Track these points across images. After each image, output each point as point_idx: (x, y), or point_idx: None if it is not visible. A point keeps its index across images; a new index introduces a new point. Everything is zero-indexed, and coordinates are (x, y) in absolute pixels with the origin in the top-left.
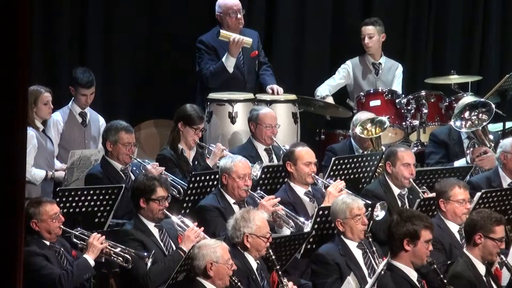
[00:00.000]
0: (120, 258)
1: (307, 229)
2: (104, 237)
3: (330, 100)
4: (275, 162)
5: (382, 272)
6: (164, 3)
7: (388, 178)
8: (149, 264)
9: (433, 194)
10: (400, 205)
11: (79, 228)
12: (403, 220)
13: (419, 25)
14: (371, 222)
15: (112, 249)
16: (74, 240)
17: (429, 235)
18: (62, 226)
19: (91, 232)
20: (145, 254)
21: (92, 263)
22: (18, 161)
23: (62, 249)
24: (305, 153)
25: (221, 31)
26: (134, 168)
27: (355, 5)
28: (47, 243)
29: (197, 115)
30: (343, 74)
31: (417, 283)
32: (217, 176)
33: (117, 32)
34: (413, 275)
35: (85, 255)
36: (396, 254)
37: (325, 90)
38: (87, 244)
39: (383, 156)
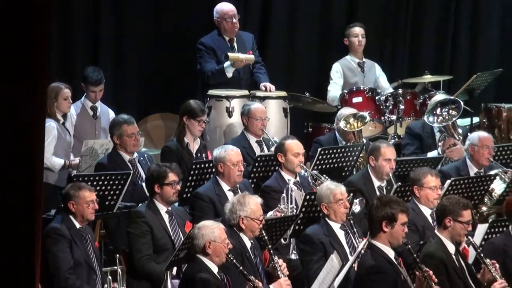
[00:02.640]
0: None
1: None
2: None
3: None
4: (266, 152)
5: (362, 251)
6: (170, 7)
7: (371, 171)
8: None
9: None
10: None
11: (119, 270)
12: (382, 204)
13: (397, 29)
14: (351, 208)
15: None
16: (110, 276)
17: (405, 218)
18: (121, 272)
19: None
20: None
21: None
22: (37, 149)
23: (89, 235)
24: (294, 145)
25: (229, 54)
26: (141, 159)
27: (340, 10)
28: (78, 225)
29: (199, 109)
30: (339, 75)
31: (394, 260)
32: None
33: (127, 34)
34: (390, 253)
35: None
36: (375, 235)
37: (338, 94)
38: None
39: (368, 150)
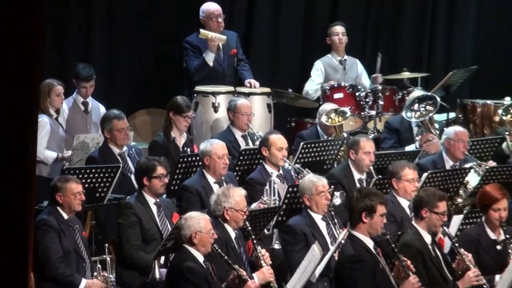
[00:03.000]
0: None
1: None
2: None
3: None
4: (251, 146)
5: (343, 241)
6: (159, 6)
7: (351, 164)
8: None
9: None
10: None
11: (108, 259)
12: (362, 196)
13: (377, 28)
14: (332, 200)
15: None
16: (98, 264)
17: (384, 210)
18: (110, 258)
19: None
20: None
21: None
22: (30, 143)
23: (77, 225)
24: (278, 140)
25: (200, 30)
26: (131, 152)
27: (323, 10)
28: (65, 216)
29: (185, 104)
30: (319, 73)
31: (373, 250)
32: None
33: (118, 32)
34: (369, 243)
35: (84, 280)
36: (355, 225)
37: (318, 92)
38: (95, 280)
39: (348, 144)
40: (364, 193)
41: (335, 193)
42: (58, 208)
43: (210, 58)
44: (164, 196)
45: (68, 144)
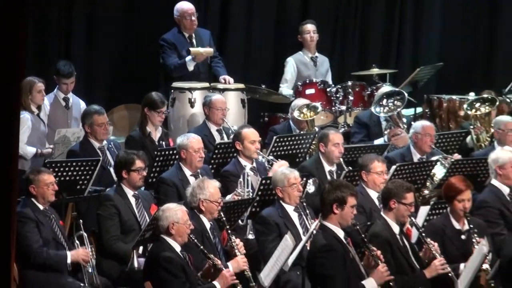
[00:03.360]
0: (88, 281)
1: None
2: (91, 256)
3: None
4: (226, 140)
5: (315, 231)
6: (136, 6)
7: (321, 156)
8: None
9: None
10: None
11: (85, 234)
12: (333, 188)
13: (347, 26)
14: (305, 191)
15: (90, 268)
16: (76, 236)
17: (354, 201)
18: (83, 231)
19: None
20: None
21: (69, 261)
22: (13, 139)
23: (53, 215)
24: (250, 133)
25: (190, 49)
26: (110, 146)
27: (294, 8)
28: (41, 207)
29: (159, 100)
30: (291, 69)
31: (343, 240)
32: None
33: (97, 30)
34: (340, 233)
35: (68, 253)
36: (327, 216)
37: (289, 89)
38: (77, 250)
39: (317, 138)
40: (335, 185)
41: (308, 181)
42: (33, 199)
43: (191, 64)
44: (142, 188)
45: (49, 138)
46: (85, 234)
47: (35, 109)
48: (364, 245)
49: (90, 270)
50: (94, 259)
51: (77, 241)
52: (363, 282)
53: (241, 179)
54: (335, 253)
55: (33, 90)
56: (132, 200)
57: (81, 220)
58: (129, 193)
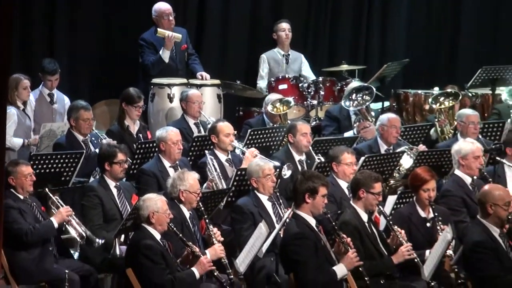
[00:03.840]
0: (77, 233)
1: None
2: (73, 212)
3: None
4: (203, 133)
5: (288, 220)
6: (117, 7)
7: (291, 147)
8: (97, 245)
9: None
10: (300, 169)
11: (57, 197)
12: (305, 178)
13: (318, 24)
14: (279, 181)
15: (75, 223)
16: (50, 204)
17: (325, 191)
18: (47, 191)
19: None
20: (97, 240)
21: (56, 225)
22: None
23: (34, 203)
24: (225, 127)
25: (158, 29)
26: (93, 139)
27: (268, 7)
28: (21, 197)
29: (136, 95)
30: (265, 65)
31: (315, 228)
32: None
33: (80, 30)
34: (312, 221)
35: (52, 218)
36: (299, 205)
37: (265, 84)
38: (57, 211)
39: (286, 129)
40: (307, 176)
41: (284, 166)
42: (12, 190)
43: (166, 55)
44: (124, 179)
45: (36, 132)
46: (56, 197)
47: (21, 105)
48: (334, 233)
49: (75, 223)
50: (73, 213)
51: (53, 207)
52: (334, 267)
53: (209, 166)
54: (307, 241)
55: (19, 86)
56: (114, 191)
57: (47, 189)
58: (111, 184)
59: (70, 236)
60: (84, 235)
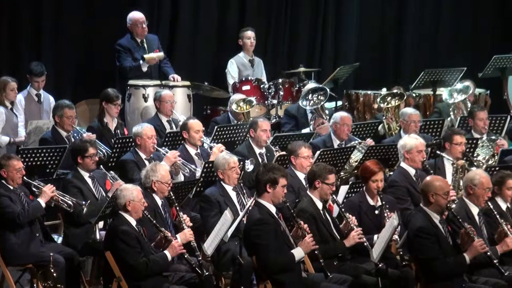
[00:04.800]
0: (65, 204)
1: (198, 173)
2: (54, 187)
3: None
4: (174, 129)
5: (250, 208)
6: (97, 15)
7: (252, 141)
8: (85, 209)
9: (284, 152)
10: (260, 161)
11: (37, 180)
12: (266, 170)
13: (278, 31)
14: (243, 172)
15: (60, 197)
16: (33, 188)
17: (285, 182)
18: (25, 178)
19: (46, 183)
20: (83, 202)
21: (43, 205)
22: None
23: (22, 193)
24: (195, 124)
25: (145, 56)
26: (75, 135)
27: (233, 16)
28: (11, 187)
29: (114, 95)
30: (234, 68)
31: (275, 215)
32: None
33: (64, 36)
34: (273, 209)
35: (38, 199)
36: (261, 194)
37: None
38: (41, 191)
39: (248, 125)
40: (268, 168)
41: (247, 161)
42: (3, 181)
43: (145, 66)
44: (103, 169)
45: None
46: (36, 181)
47: (9, 104)
48: (293, 219)
49: (60, 197)
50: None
51: (36, 191)
52: (292, 250)
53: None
54: (268, 226)
55: (7, 88)
56: (89, 181)
57: (24, 177)
58: (85, 175)
59: (54, 222)
60: (71, 203)
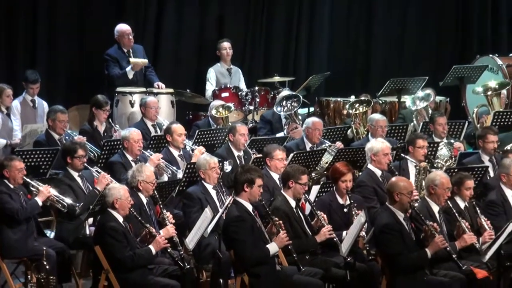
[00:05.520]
0: (59, 204)
1: (179, 175)
2: (51, 188)
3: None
4: (159, 133)
5: (229, 205)
6: (88, 27)
7: (231, 144)
8: (77, 211)
9: (260, 155)
10: (238, 162)
11: (35, 180)
12: (244, 171)
13: (254, 43)
14: (222, 173)
15: (56, 197)
16: (31, 188)
17: (261, 182)
18: (25, 178)
19: (43, 183)
20: (77, 205)
21: (40, 204)
22: None
23: (21, 192)
24: (178, 128)
25: (130, 59)
26: (67, 138)
27: (212, 28)
28: (12, 186)
29: (104, 101)
30: (213, 77)
31: (252, 212)
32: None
33: (57, 46)
34: (249, 207)
35: (36, 198)
36: (239, 193)
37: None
38: (39, 191)
39: (227, 130)
40: (246, 169)
41: (225, 162)
42: (5, 180)
43: (131, 74)
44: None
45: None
46: (34, 181)
47: (4, 110)
48: (268, 217)
49: (55, 197)
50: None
51: (34, 190)
52: (267, 245)
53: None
54: (245, 223)
55: (3, 94)
56: (79, 179)
57: (24, 176)
58: (75, 174)
59: (48, 218)
60: (66, 204)
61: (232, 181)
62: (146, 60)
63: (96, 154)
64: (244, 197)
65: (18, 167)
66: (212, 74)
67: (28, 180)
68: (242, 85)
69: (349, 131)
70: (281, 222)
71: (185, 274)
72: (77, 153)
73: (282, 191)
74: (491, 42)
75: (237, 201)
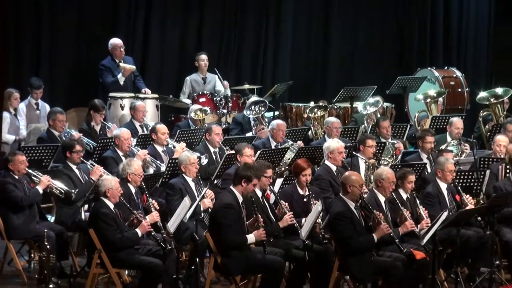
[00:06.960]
0: (58, 191)
1: (163, 169)
2: (50, 177)
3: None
4: (145, 132)
5: (205, 196)
6: (84, 39)
7: (207, 143)
8: (73, 196)
9: (232, 151)
10: (214, 158)
11: (36, 171)
12: (246, 167)
13: (227, 54)
14: (199, 167)
15: (54, 185)
16: (33, 177)
17: (256, 182)
18: (27, 169)
19: (43, 174)
20: (72, 191)
21: (41, 192)
22: None
23: (25, 181)
24: (162, 128)
25: (121, 65)
26: (66, 135)
27: (191, 41)
28: (16, 177)
29: (100, 105)
30: (188, 85)
31: (241, 204)
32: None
33: (58, 56)
34: (240, 199)
35: (37, 187)
36: (236, 185)
37: (186, 98)
38: (40, 180)
39: (204, 130)
40: (248, 166)
41: (202, 156)
42: (11, 172)
43: (121, 81)
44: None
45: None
46: (36, 172)
47: (12, 111)
48: (254, 212)
49: (54, 185)
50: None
51: (35, 179)
52: (247, 235)
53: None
54: (233, 210)
55: (11, 97)
56: (77, 171)
57: (27, 169)
58: (73, 167)
59: (48, 205)
60: (63, 191)
61: (208, 173)
62: (134, 67)
63: (91, 146)
64: (239, 189)
65: (20, 160)
66: (187, 83)
67: (30, 171)
68: (220, 87)
69: (309, 132)
70: (262, 219)
71: (166, 254)
72: (75, 148)
73: None
74: (429, 56)
75: (232, 191)
